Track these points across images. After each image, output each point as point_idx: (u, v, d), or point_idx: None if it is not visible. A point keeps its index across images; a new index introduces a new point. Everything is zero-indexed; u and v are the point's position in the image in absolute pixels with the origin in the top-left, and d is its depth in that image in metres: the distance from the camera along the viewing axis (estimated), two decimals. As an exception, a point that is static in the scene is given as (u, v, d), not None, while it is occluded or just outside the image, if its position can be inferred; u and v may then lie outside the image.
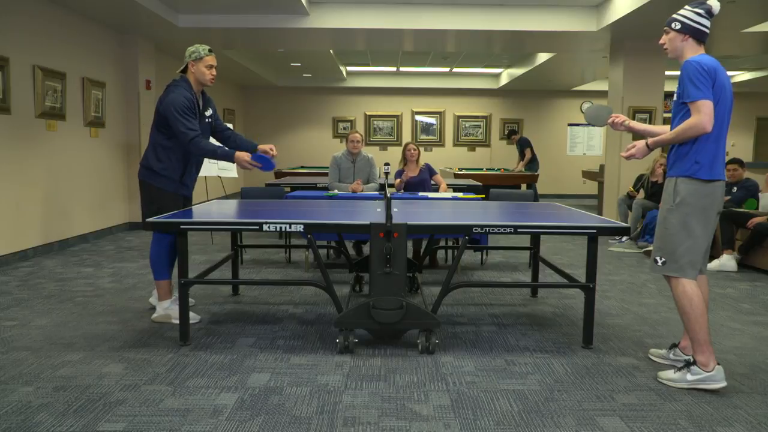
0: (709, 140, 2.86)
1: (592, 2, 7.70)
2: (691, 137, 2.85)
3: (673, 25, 2.96)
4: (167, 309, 3.89)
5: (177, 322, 3.67)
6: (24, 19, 6.07)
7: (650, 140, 3.04)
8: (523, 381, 3.01)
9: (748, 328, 3.98)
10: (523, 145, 11.13)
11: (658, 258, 2.98)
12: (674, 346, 3.28)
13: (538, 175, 10.49)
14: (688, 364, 2.94)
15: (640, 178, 7.84)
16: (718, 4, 2.93)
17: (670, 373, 2.99)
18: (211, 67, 3.92)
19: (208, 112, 4.07)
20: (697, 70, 2.81)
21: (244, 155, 3.82)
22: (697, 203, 2.88)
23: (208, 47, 3.91)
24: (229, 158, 3.84)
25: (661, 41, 3.04)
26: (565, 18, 7.90)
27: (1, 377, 2.97)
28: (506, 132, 11.31)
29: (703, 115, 2.78)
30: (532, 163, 11.11)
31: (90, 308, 4.24)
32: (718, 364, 2.90)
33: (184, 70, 3.93)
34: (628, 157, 3.12)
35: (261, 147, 4.04)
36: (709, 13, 2.93)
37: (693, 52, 2.95)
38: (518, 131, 11.31)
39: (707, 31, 2.94)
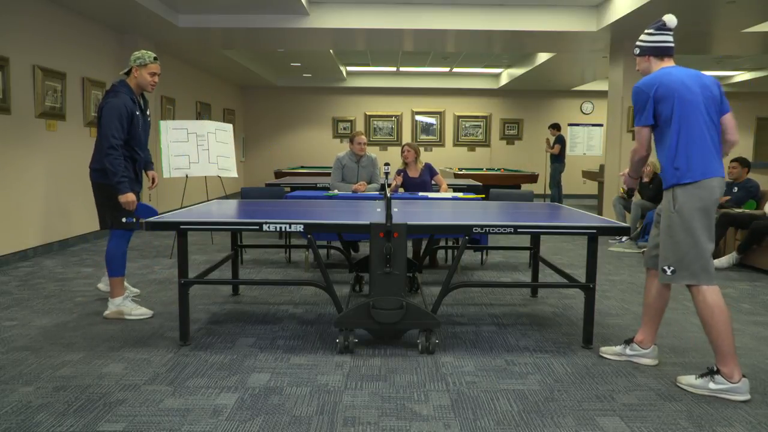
0: (679, 145, 2.90)
1: (592, 2, 7.70)
2: (637, 162, 3.15)
3: (635, 51, 3.19)
4: (120, 305, 4.00)
5: (130, 317, 3.96)
6: (24, 19, 6.06)
7: (625, 171, 3.34)
8: (523, 381, 3.01)
9: (748, 328, 3.98)
10: (559, 142, 11.25)
11: (666, 268, 2.96)
12: (629, 341, 3.30)
13: (538, 175, 10.48)
14: (711, 372, 2.88)
15: None
16: (673, 17, 3.08)
17: (691, 379, 2.94)
18: (154, 74, 4.00)
19: (148, 112, 4.24)
20: (634, 95, 3.04)
21: (131, 200, 3.85)
22: (694, 206, 2.87)
23: (154, 55, 4.00)
24: (119, 192, 3.83)
25: (636, 68, 3.26)
26: (565, 18, 7.90)
27: (1, 377, 2.97)
28: (551, 123, 11.61)
29: (636, 142, 3.08)
30: (560, 162, 11.20)
31: (90, 308, 4.24)
32: (744, 376, 2.85)
33: (128, 73, 4.01)
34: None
35: (151, 173, 4.28)
36: (663, 28, 3.10)
37: (657, 67, 3.11)
38: (560, 127, 11.51)
39: (665, 44, 3.08)
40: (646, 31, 3.14)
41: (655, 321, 3.22)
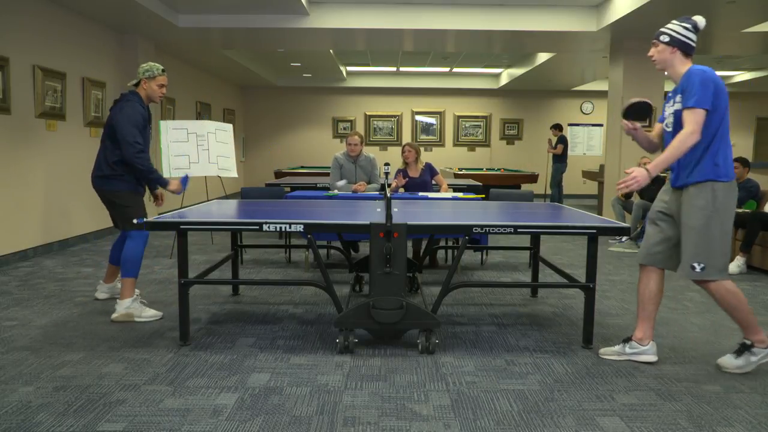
0: (722, 143, 2.97)
1: (592, 2, 7.70)
2: (688, 147, 2.92)
3: (661, 38, 3.07)
4: (129, 308, 3.94)
5: (140, 319, 3.92)
6: (24, 19, 6.07)
7: (650, 166, 2.99)
8: (523, 381, 3.01)
9: (748, 328, 3.97)
10: (562, 142, 11.36)
11: (695, 264, 2.99)
12: (628, 339, 3.33)
13: (538, 175, 10.49)
14: (746, 347, 3.06)
15: None
16: (704, 19, 3.07)
17: (731, 359, 3.09)
18: (162, 86, 4.10)
19: (152, 124, 4.31)
20: (699, 76, 2.91)
21: (177, 186, 4.12)
22: (729, 204, 2.99)
23: (162, 67, 4.10)
24: (162, 184, 4.08)
25: (650, 53, 3.15)
26: (565, 18, 7.90)
27: (1, 377, 2.97)
28: (553, 124, 11.77)
29: (692, 125, 2.90)
30: (562, 162, 11.26)
31: (90, 308, 4.24)
32: None
33: (136, 85, 4.08)
34: (626, 188, 3.02)
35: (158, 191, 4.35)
36: (696, 28, 3.06)
37: (681, 64, 3.06)
38: (562, 128, 11.57)
39: (694, 44, 3.08)
40: (680, 23, 3.05)
41: (652, 317, 3.26)
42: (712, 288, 3.02)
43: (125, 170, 3.98)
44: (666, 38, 3.05)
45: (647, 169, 2.98)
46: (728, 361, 3.12)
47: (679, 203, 3.08)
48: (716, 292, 3.02)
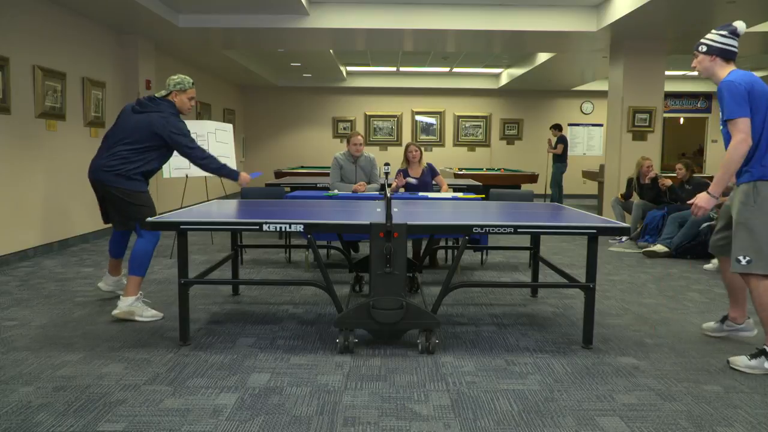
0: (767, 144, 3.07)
1: (592, 2, 7.70)
2: (741, 157, 3.01)
3: (700, 48, 3.21)
4: (132, 306, 3.93)
5: (141, 319, 3.91)
6: (24, 19, 6.07)
7: (710, 188, 3.15)
8: (523, 381, 3.01)
9: (748, 328, 3.98)
10: (562, 142, 11.43)
11: (741, 257, 3.09)
12: (725, 318, 3.61)
13: (538, 175, 10.49)
14: (763, 353, 3.10)
15: (630, 183, 7.83)
16: (744, 24, 3.15)
17: (744, 360, 3.14)
18: (192, 98, 4.13)
19: None
20: (729, 88, 3.02)
21: (246, 177, 4.31)
22: None
23: (192, 80, 4.12)
24: (234, 177, 4.23)
25: (693, 64, 3.28)
26: (565, 18, 7.90)
27: (1, 377, 2.97)
28: (552, 124, 11.87)
29: (739, 134, 3.00)
30: (562, 162, 11.32)
31: (90, 308, 4.24)
32: None
33: (166, 96, 4.06)
34: (699, 214, 3.22)
35: None
36: (734, 33, 3.15)
37: (721, 70, 3.16)
38: (561, 128, 11.63)
39: (734, 49, 3.16)
40: (717, 31, 3.19)
41: (741, 297, 3.46)
42: (753, 283, 3.10)
43: (142, 174, 4.00)
44: (704, 48, 3.19)
45: (709, 192, 3.15)
46: (741, 360, 3.16)
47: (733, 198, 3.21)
48: (755, 288, 3.10)
